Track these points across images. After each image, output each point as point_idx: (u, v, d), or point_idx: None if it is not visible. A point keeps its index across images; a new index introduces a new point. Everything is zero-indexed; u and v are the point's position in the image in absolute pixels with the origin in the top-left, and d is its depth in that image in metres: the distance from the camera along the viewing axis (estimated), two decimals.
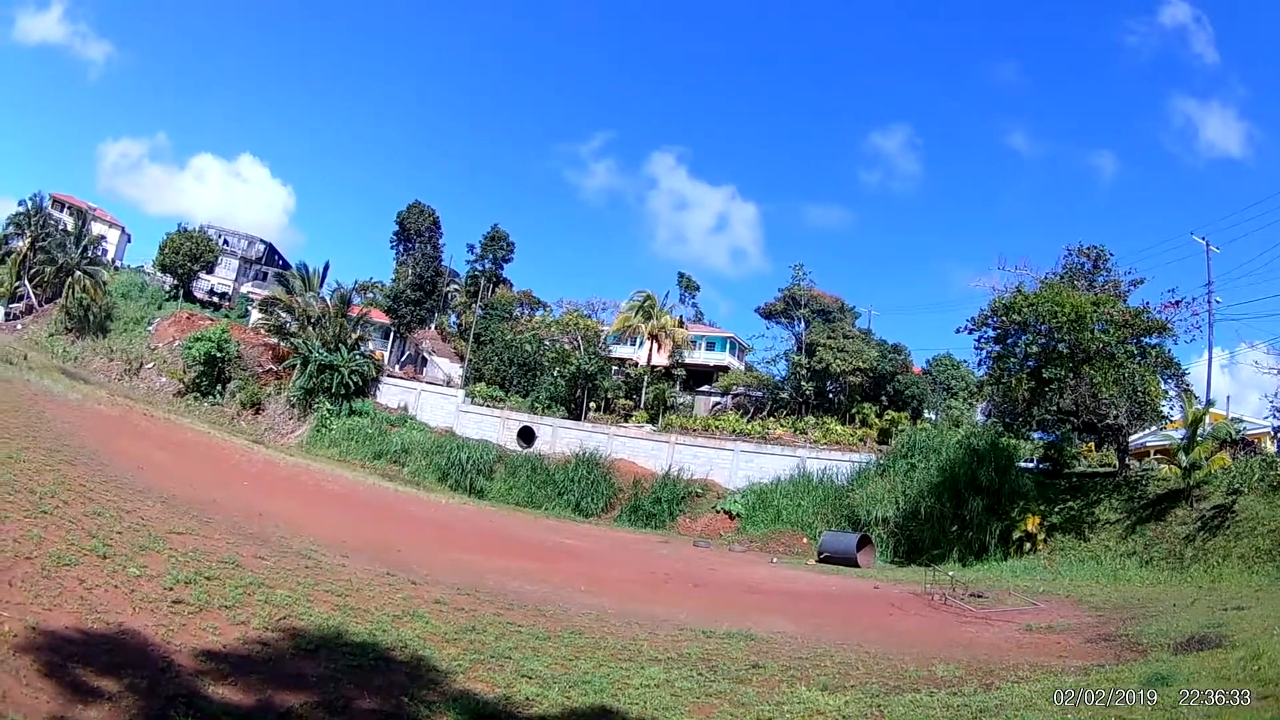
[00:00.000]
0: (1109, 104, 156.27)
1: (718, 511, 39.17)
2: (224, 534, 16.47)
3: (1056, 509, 29.76)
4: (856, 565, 29.29)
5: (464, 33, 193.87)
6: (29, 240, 74.97)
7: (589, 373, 52.23)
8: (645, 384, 53.24)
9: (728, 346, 63.17)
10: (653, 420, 48.83)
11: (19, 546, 10.83)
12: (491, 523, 34.89)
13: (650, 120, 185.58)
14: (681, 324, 56.69)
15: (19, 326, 71.26)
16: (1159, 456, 33.41)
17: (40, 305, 74.04)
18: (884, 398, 49.45)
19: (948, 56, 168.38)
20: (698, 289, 73.93)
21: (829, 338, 49.83)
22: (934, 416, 49.37)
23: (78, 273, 68.63)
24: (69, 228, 78.64)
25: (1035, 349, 30.43)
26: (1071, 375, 29.34)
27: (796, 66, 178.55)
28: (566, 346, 59.55)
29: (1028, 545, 28.56)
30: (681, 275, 74.89)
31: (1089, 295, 30.39)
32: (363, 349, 55.99)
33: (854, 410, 48.33)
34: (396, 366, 63.07)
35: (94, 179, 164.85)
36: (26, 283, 74.61)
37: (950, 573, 24.25)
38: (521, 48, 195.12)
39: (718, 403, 56.78)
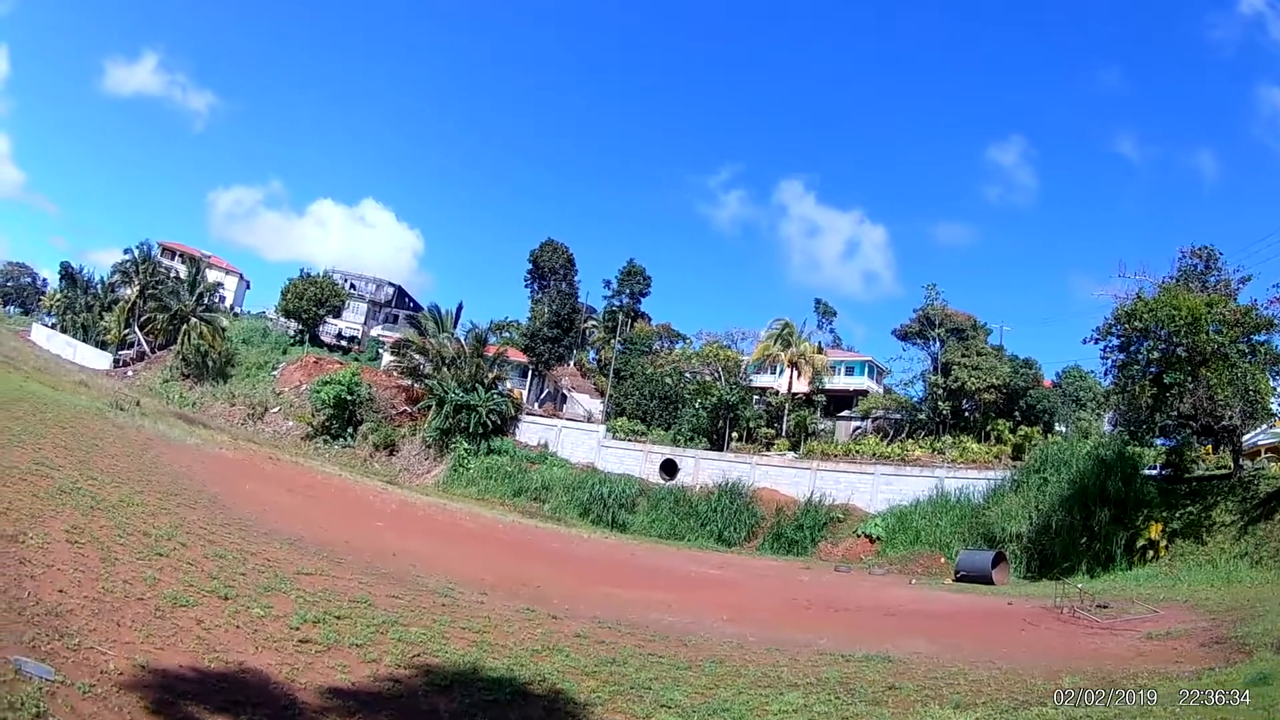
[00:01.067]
0: (1201, 100, 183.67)
1: (858, 535, 48.00)
2: (356, 574, 19.95)
3: (1177, 514, 37.08)
4: (991, 583, 35.47)
5: (586, 71, 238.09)
6: (138, 288, 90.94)
7: (730, 403, 63.58)
8: (786, 412, 64.55)
9: (866, 370, 74.64)
10: (794, 448, 59.61)
11: (130, 588, 13.09)
12: (634, 556, 41.60)
13: (775, 149, 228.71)
14: (820, 350, 68.29)
15: (130, 373, 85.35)
16: (1269, 455, 41.06)
17: (153, 352, 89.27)
18: (1017, 413, 58.99)
19: (1052, 64, 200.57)
20: (834, 314, 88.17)
21: (963, 356, 59.99)
22: (1064, 429, 58.55)
23: (193, 319, 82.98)
24: (181, 275, 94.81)
25: (1156, 354, 37.19)
26: (1189, 379, 36.34)
27: (910, 87, 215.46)
28: (707, 378, 71.51)
29: (1150, 553, 35.60)
30: (818, 301, 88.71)
31: (1202, 296, 37.03)
32: (500, 388, 68.15)
33: (989, 427, 57.73)
34: (536, 404, 75.86)
35: (206, 227, 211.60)
36: (137, 330, 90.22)
37: (1079, 585, 29.62)
38: (644, 83, 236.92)
39: (858, 427, 67.79)
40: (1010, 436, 54.94)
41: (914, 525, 46.67)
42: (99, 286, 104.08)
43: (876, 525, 47.84)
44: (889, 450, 56.30)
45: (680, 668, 14.53)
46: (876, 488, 51.04)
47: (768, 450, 59.76)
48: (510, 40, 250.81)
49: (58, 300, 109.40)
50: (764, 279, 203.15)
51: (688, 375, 73.37)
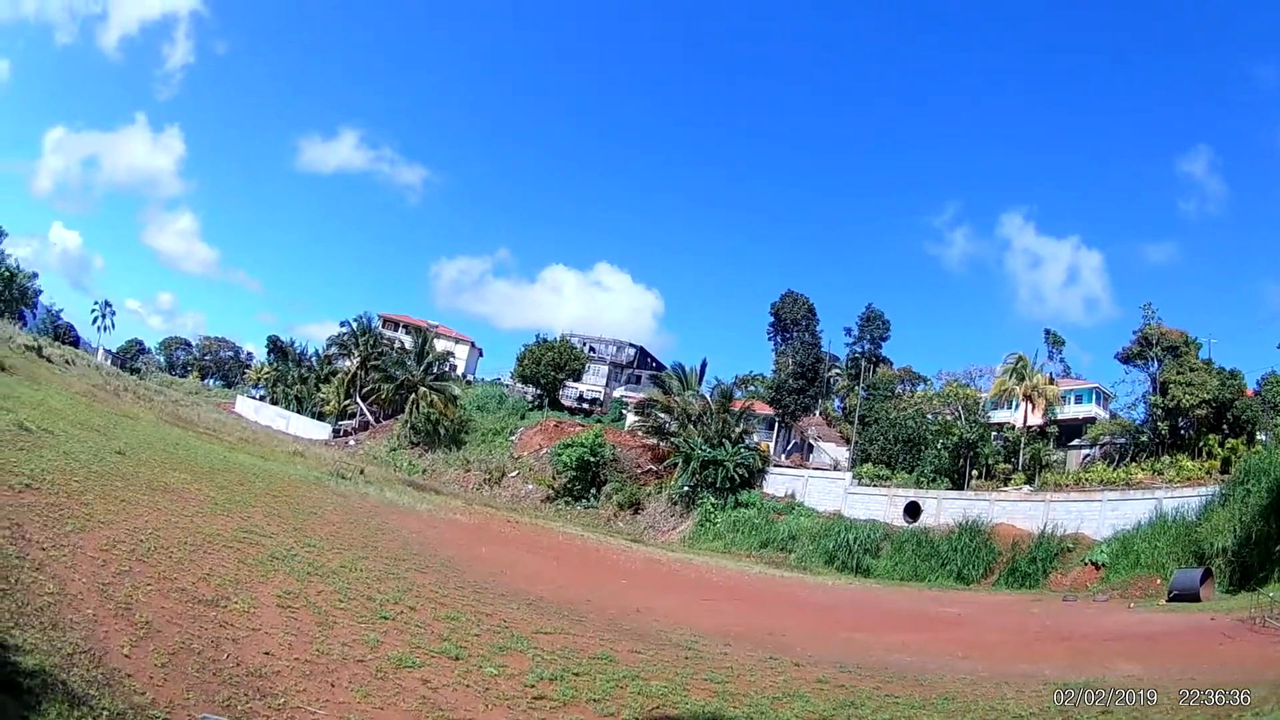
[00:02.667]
0: None
1: (1085, 564, 59.06)
2: (597, 631, 24.64)
3: None
4: (1199, 599, 43.92)
5: (809, 122, 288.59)
6: (359, 359, 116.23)
7: (970, 441, 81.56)
8: (1022, 445, 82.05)
9: (1093, 397, 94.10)
10: (1030, 481, 75.93)
11: (348, 650, 16.95)
12: (876, 600, 50.30)
13: (993, 182, 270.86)
14: (1051, 381, 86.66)
15: (351, 443, 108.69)
16: None
17: (377, 421, 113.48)
18: (1225, 426, 74.50)
19: (1216, 68, 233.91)
20: (1063, 343, 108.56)
21: (1178, 373, 75.76)
22: (1264, 437, 72.72)
23: (422, 388, 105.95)
24: (406, 345, 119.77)
25: None
26: None
27: (1102, 108, 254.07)
28: (948, 418, 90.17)
29: None
30: (1048, 332, 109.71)
31: None
32: (748, 442, 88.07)
33: (1200, 443, 72.97)
34: (783, 455, 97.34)
35: (431, 298, 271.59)
36: (359, 400, 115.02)
37: (1271, 594, 37.00)
38: (867, 126, 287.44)
39: (1087, 454, 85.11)
40: (1219, 450, 69.45)
41: (1135, 549, 57.49)
42: (314, 359, 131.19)
43: (1102, 552, 59.14)
44: (1114, 475, 70.47)
45: (914, 706, 18.61)
46: (1103, 515, 63.90)
47: (1005, 485, 75.89)
48: (731, 99, 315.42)
49: (266, 373, 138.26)
50: (996, 313, 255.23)
51: (929, 417, 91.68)
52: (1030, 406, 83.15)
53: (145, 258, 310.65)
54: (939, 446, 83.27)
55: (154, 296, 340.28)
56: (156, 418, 67.81)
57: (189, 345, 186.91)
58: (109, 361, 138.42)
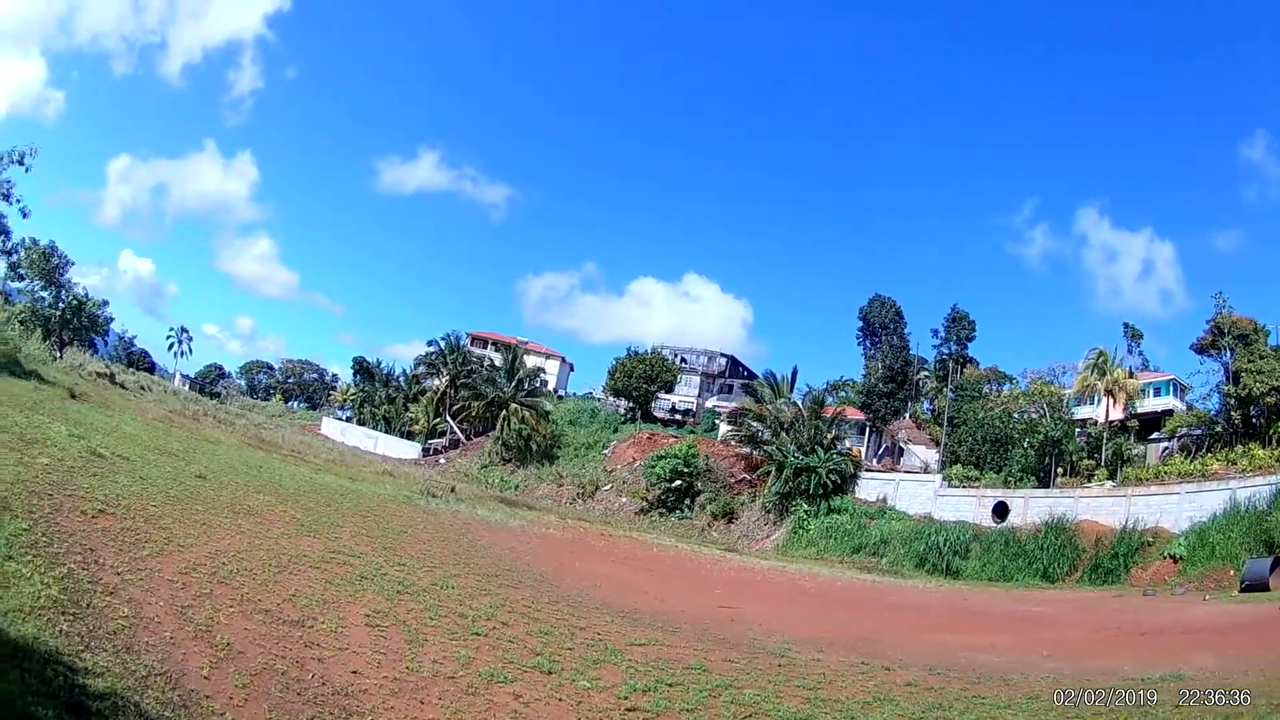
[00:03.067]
0: None
1: (1164, 557, 60.39)
2: (691, 642, 26.06)
3: None
4: (1268, 589, 45.40)
5: (889, 129, 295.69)
6: (447, 378, 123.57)
7: (1055, 438, 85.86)
8: (1104, 441, 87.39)
9: (1170, 389, 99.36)
10: (1112, 476, 79.88)
11: (439, 667, 18.16)
12: (965, 601, 51.59)
13: (1067, 176, 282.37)
14: (1131, 375, 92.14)
15: (442, 461, 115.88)
16: None
17: (468, 439, 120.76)
18: None
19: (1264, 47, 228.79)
20: (1141, 337, 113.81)
21: (1249, 361, 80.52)
22: None
23: (513, 405, 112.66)
24: (496, 363, 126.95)
25: None
26: None
27: (1165, 96, 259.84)
28: (1033, 416, 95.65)
29: None
30: (1126, 326, 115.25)
31: None
32: (840, 447, 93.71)
33: (1271, 431, 76.23)
34: (874, 460, 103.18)
35: (518, 315, 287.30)
36: (449, 418, 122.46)
37: None
38: (945, 128, 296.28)
39: (1166, 447, 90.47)
40: None
41: (1210, 540, 59.02)
42: (401, 379, 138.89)
43: (1179, 545, 60.57)
44: (1191, 467, 73.83)
45: (1000, 707, 19.88)
46: (1180, 507, 65.63)
47: (1088, 482, 79.33)
48: (814, 108, 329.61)
49: (352, 394, 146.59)
50: (1076, 309, 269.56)
51: (1015, 415, 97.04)
52: (1111, 401, 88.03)
53: (221, 283, 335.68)
54: (1025, 445, 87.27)
55: (232, 321, 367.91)
56: (239, 441, 69.96)
57: (271, 368, 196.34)
58: (186, 387, 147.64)
